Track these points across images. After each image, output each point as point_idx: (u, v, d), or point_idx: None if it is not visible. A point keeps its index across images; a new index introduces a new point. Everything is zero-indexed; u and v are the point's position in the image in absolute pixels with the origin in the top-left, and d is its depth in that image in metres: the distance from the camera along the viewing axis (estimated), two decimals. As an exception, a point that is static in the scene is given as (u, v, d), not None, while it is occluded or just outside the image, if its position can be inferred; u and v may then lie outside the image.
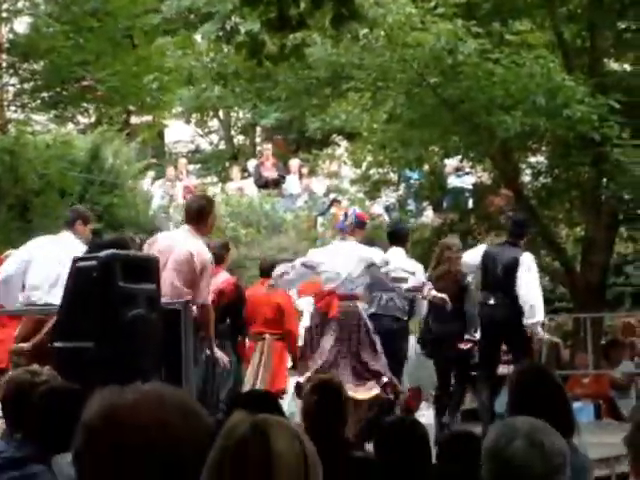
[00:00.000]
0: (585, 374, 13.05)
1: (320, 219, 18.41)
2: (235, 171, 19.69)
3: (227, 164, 23.94)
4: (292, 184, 19.07)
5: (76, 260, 6.82)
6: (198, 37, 16.55)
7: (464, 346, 9.94)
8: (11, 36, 21.69)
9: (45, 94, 21.00)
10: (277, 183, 18.81)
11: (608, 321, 15.86)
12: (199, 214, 8.15)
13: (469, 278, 10.16)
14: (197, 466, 2.20)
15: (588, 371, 13.05)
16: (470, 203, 17.17)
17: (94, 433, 2.17)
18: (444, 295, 9.64)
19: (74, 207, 10.60)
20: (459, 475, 4.50)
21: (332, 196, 18.67)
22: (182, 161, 21.19)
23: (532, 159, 16.26)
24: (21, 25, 21.78)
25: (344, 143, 22.03)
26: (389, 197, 17.82)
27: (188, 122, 26.81)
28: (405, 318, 10.05)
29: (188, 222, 8.15)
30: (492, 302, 9.96)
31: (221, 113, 26.08)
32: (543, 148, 15.78)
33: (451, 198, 17.42)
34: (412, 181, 17.06)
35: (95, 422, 2.18)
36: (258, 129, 25.61)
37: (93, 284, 6.45)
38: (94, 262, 6.59)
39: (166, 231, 12.31)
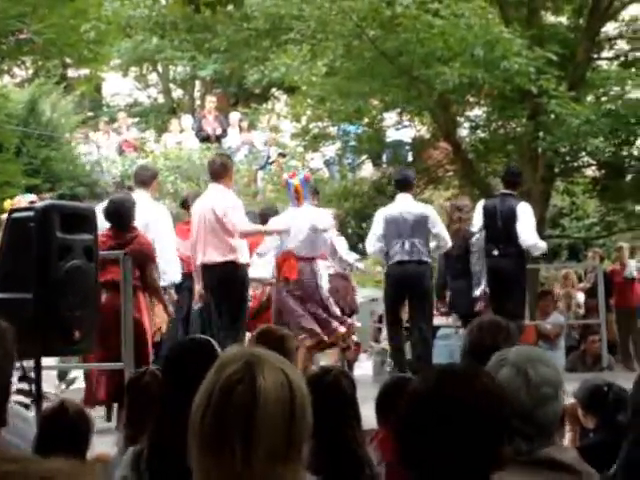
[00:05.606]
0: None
1: (260, 173, 18.35)
2: (174, 125, 19.53)
3: (166, 118, 23.72)
4: (232, 138, 18.95)
5: (12, 211, 6.74)
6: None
7: (478, 308, 9.98)
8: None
9: (-18, 48, 20.65)
10: (219, 137, 18.66)
11: (544, 272, 16.06)
12: None
13: (476, 237, 10.27)
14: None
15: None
16: (410, 156, 17.22)
17: None
18: None
19: None
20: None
21: (273, 149, 18.59)
22: (122, 114, 20.98)
23: (470, 113, 16.32)
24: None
25: (284, 97, 21.92)
26: (329, 151, 17.78)
27: (126, 75, 26.47)
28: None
29: None
30: (496, 253, 10.27)
31: (160, 66, 25.80)
32: (481, 102, 15.84)
33: (390, 152, 17.44)
34: (351, 135, 17.01)
35: None
36: (197, 83, 25.38)
37: (30, 235, 6.37)
38: (31, 213, 6.51)
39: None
